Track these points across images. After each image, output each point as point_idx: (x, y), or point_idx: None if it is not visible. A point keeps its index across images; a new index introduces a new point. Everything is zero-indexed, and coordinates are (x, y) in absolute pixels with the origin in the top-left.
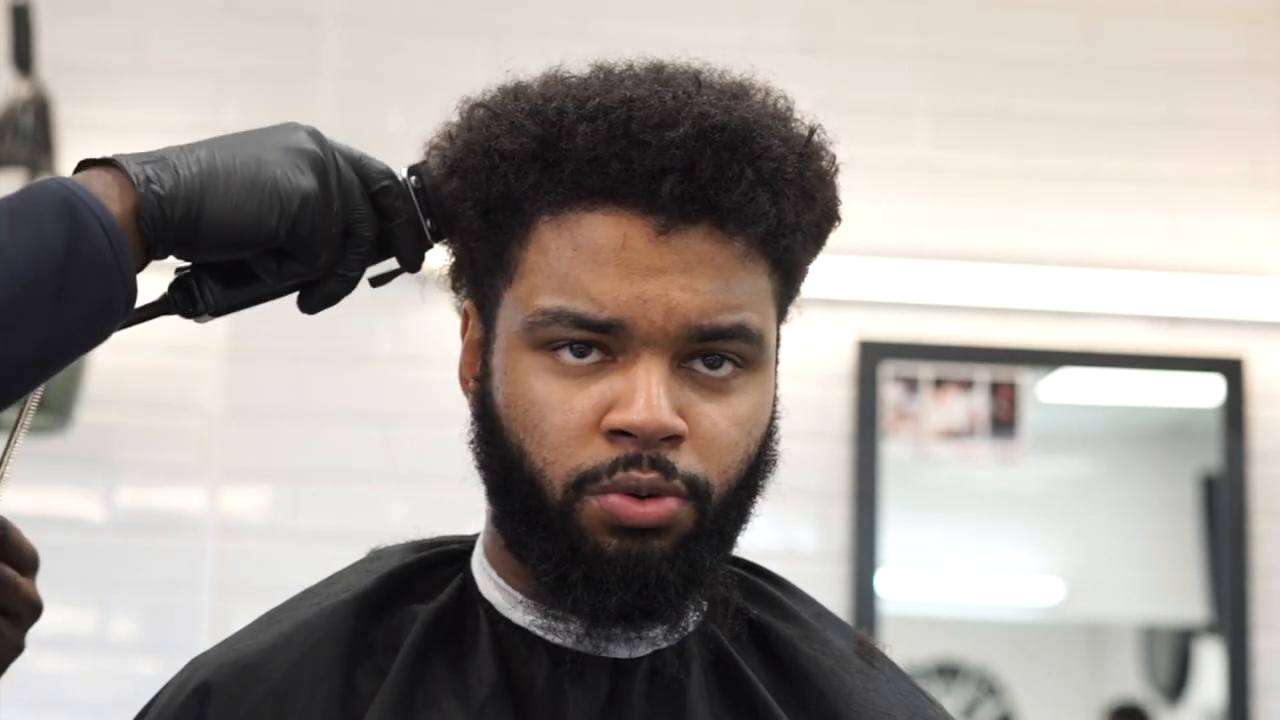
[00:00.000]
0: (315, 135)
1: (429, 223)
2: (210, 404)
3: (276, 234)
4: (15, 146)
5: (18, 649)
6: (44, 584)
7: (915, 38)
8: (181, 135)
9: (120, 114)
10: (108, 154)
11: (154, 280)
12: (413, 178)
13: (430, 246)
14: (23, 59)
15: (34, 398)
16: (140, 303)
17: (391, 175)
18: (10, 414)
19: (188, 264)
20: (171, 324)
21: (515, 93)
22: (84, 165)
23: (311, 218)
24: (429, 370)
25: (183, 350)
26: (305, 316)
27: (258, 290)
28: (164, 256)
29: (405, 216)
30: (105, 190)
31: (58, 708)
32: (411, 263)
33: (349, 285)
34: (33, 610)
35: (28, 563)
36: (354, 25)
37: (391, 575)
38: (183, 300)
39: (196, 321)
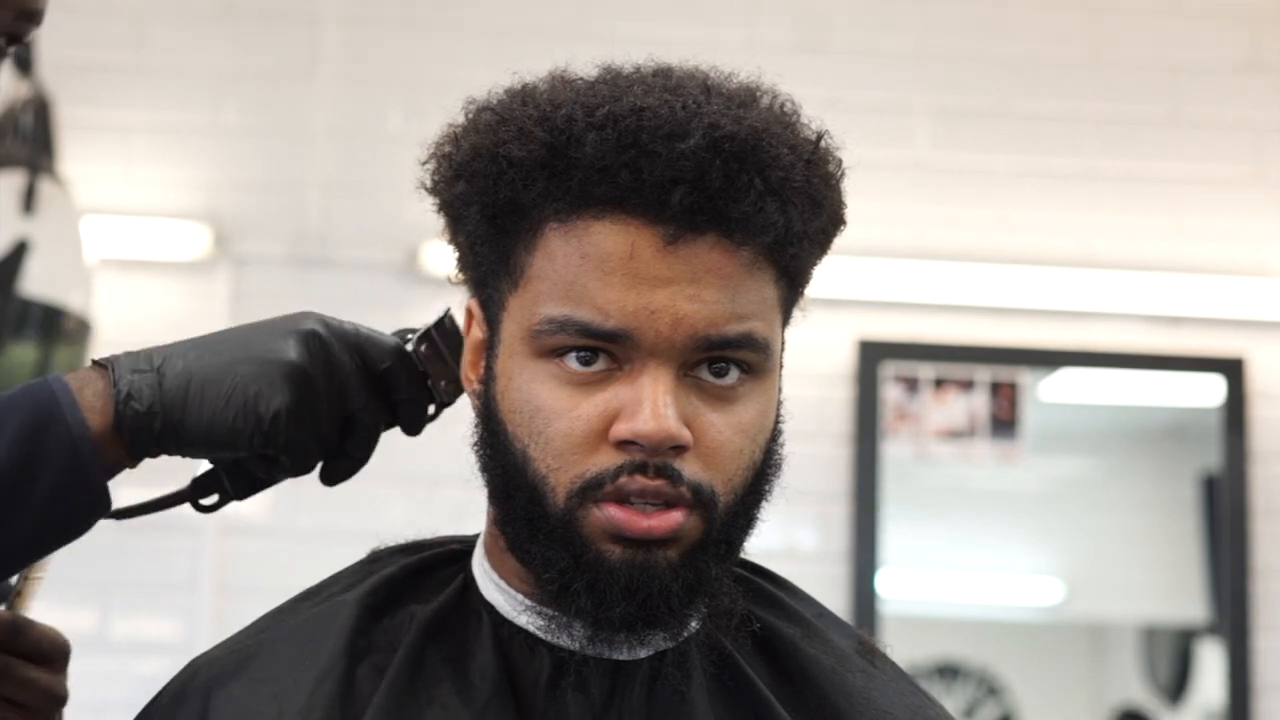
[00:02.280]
0: (307, 338)
1: (443, 384)
2: None
3: (251, 446)
4: (15, 146)
5: None
6: (44, 583)
7: (915, 38)
8: (181, 135)
9: (120, 114)
10: (106, 354)
11: None
12: (423, 346)
13: (444, 407)
14: (23, 59)
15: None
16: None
17: (398, 353)
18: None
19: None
20: (170, 322)
21: (523, 97)
22: (94, 364)
23: (287, 431)
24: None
25: None
26: None
27: (272, 483)
28: (156, 455)
29: (410, 394)
30: (92, 401)
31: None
32: (414, 431)
33: (357, 464)
34: (54, 702)
35: (48, 656)
36: (354, 25)
37: (391, 575)
38: (202, 494)
39: (205, 512)
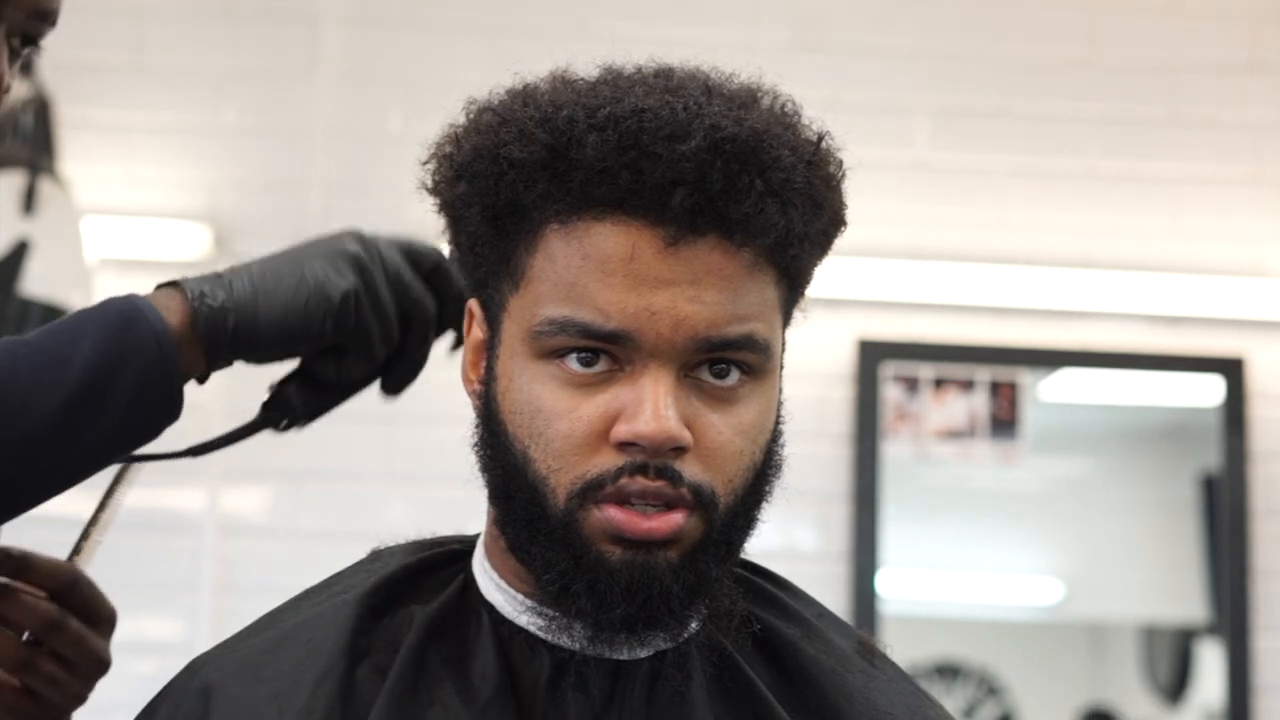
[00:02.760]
0: (359, 238)
1: None
2: (210, 404)
3: (325, 331)
4: (15, 146)
5: (79, 699)
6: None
7: (915, 38)
8: (182, 135)
9: (120, 114)
10: (173, 278)
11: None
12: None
13: None
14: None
15: (127, 476)
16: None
17: (442, 255)
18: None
19: (276, 385)
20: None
21: (524, 98)
22: (158, 287)
23: (356, 313)
24: (430, 370)
25: None
26: None
27: (338, 395)
28: (228, 362)
29: (458, 290)
30: (167, 304)
31: None
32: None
33: (418, 365)
34: (97, 666)
35: (101, 618)
36: (354, 25)
37: (392, 576)
38: (274, 417)
39: (281, 432)
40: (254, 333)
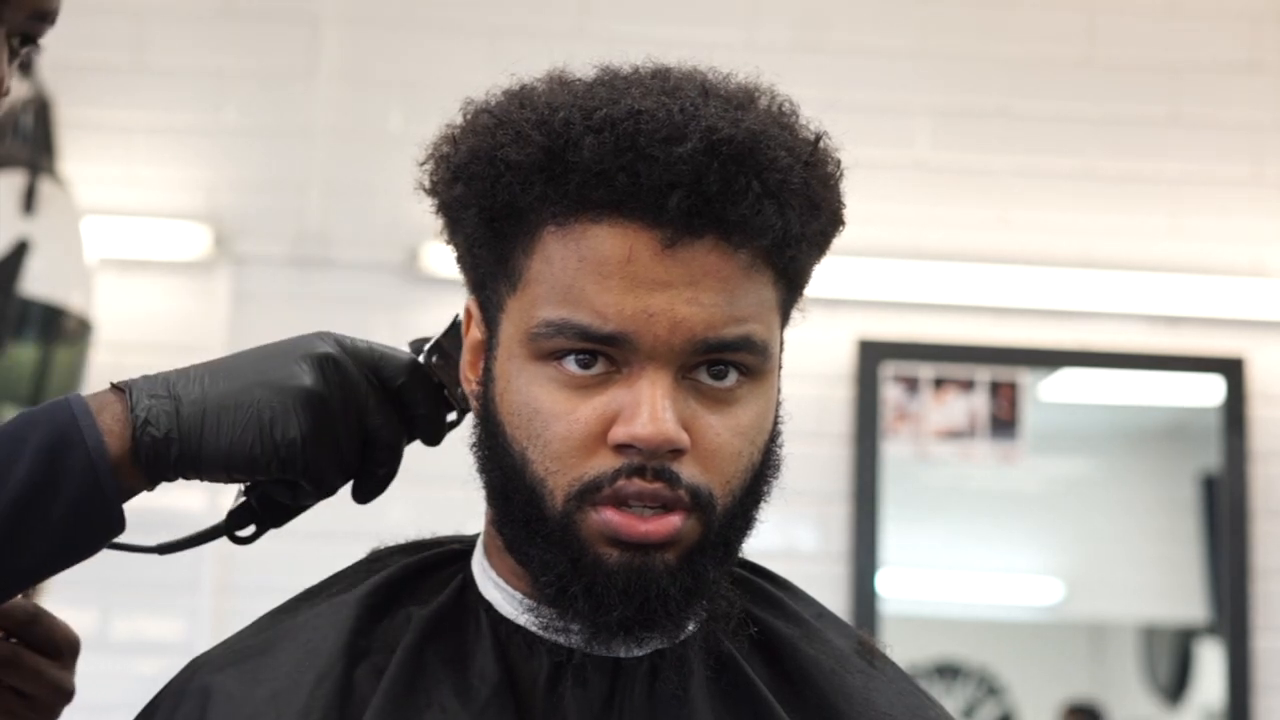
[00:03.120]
0: (319, 362)
1: (460, 391)
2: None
3: (269, 471)
4: (15, 146)
5: None
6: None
7: (915, 38)
8: (181, 135)
9: (120, 114)
10: (124, 378)
11: None
12: (434, 356)
13: (465, 414)
14: (23, 59)
15: None
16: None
17: (411, 367)
18: None
19: (243, 493)
20: (170, 322)
21: (520, 99)
22: (112, 386)
23: (305, 457)
24: None
25: (182, 350)
26: (303, 316)
27: (303, 509)
28: (173, 480)
29: (426, 407)
30: (111, 425)
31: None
32: (435, 441)
33: (385, 480)
34: (59, 696)
35: (59, 649)
36: (354, 25)
37: (391, 576)
38: (239, 525)
39: (242, 544)
40: (197, 466)
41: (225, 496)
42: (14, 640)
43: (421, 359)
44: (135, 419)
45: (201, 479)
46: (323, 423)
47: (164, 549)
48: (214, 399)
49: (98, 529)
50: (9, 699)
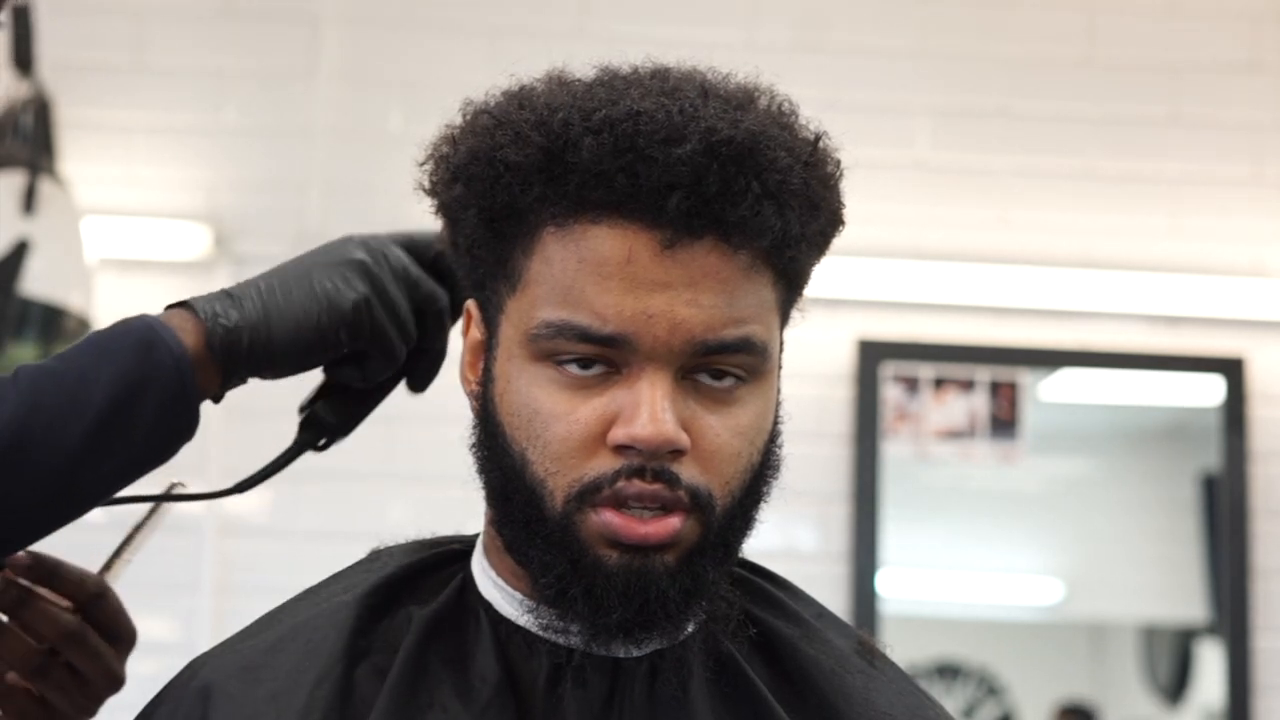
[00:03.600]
0: (362, 242)
1: None
2: (209, 403)
3: (340, 341)
4: (15, 146)
5: (87, 711)
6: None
7: (915, 38)
8: (181, 135)
9: (120, 114)
10: (183, 296)
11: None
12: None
13: None
14: (23, 59)
15: (167, 503)
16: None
17: (440, 238)
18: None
19: (306, 404)
20: None
21: (520, 100)
22: (168, 308)
23: (370, 319)
24: None
25: None
26: None
27: (368, 402)
28: (244, 379)
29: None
30: (182, 325)
31: None
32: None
33: (439, 356)
34: (110, 682)
35: (120, 636)
36: (354, 25)
37: (392, 576)
38: (312, 437)
39: (321, 451)
40: (269, 350)
41: (226, 497)
42: (79, 615)
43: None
44: (205, 315)
45: (272, 372)
46: (380, 288)
47: (243, 486)
48: (275, 287)
49: (180, 429)
50: (64, 676)
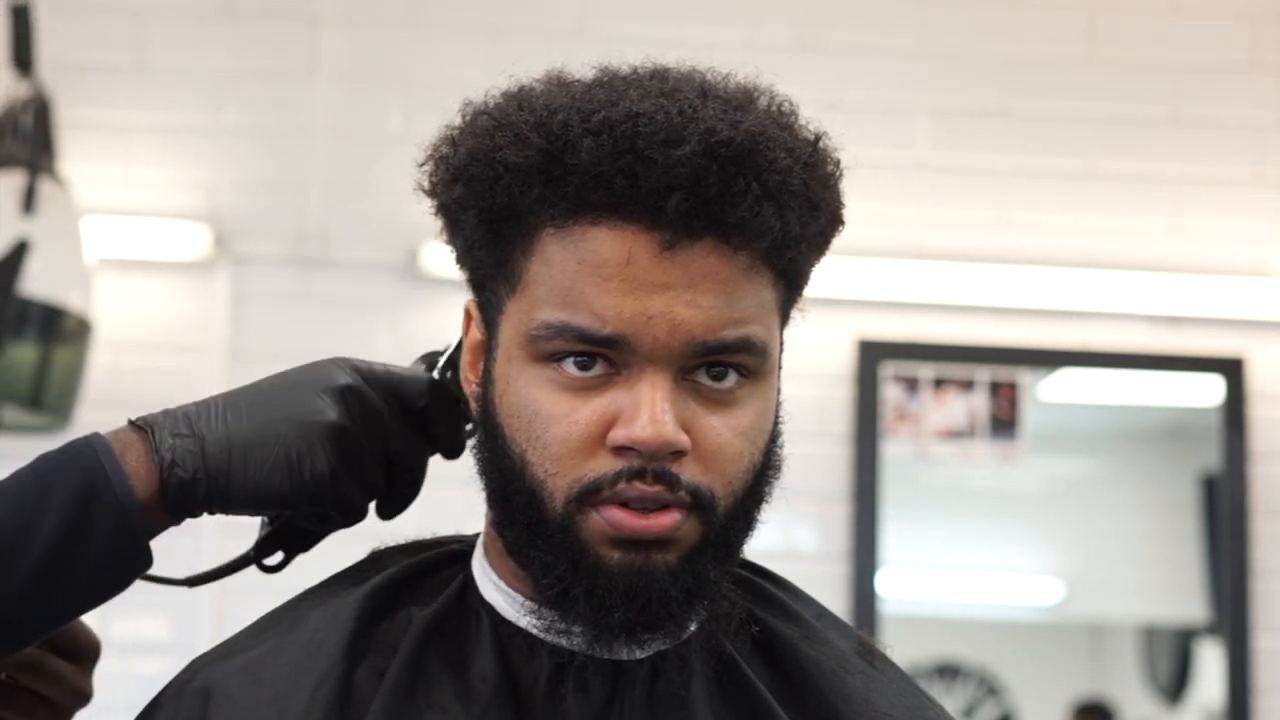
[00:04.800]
0: (340, 394)
1: (475, 403)
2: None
3: (299, 507)
4: (15, 146)
5: None
6: None
7: (915, 38)
8: (181, 135)
9: (120, 114)
10: (143, 414)
11: None
12: (449, 372)
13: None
14: (23, 59)
15: None
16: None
17: (430, 387)
18: None
19: (264, 524)
20: (170, 322)
21: (519, 101)
22: (130, 426)
23: (332, 493)
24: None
25: (183, 350)
26: (303, 316)
27: (323, 536)
28: (198, 516)
29: (447, 424)
30: (136, 468)
31: None
32: (455, 455)
33: (409, 499)
34: (79, 699)
35: (81, 652)
36: (354, 25)
37: (392, 576)
38: (260, 558)
39: (268, 573)
40: (225, 503)
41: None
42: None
43: (437, 374)
44: (161, 460)
45: (229, 514)
46: (349, 455)
47: (193, 581)
48: (239, 437)
49: (128, 569)
50: (29, 702)
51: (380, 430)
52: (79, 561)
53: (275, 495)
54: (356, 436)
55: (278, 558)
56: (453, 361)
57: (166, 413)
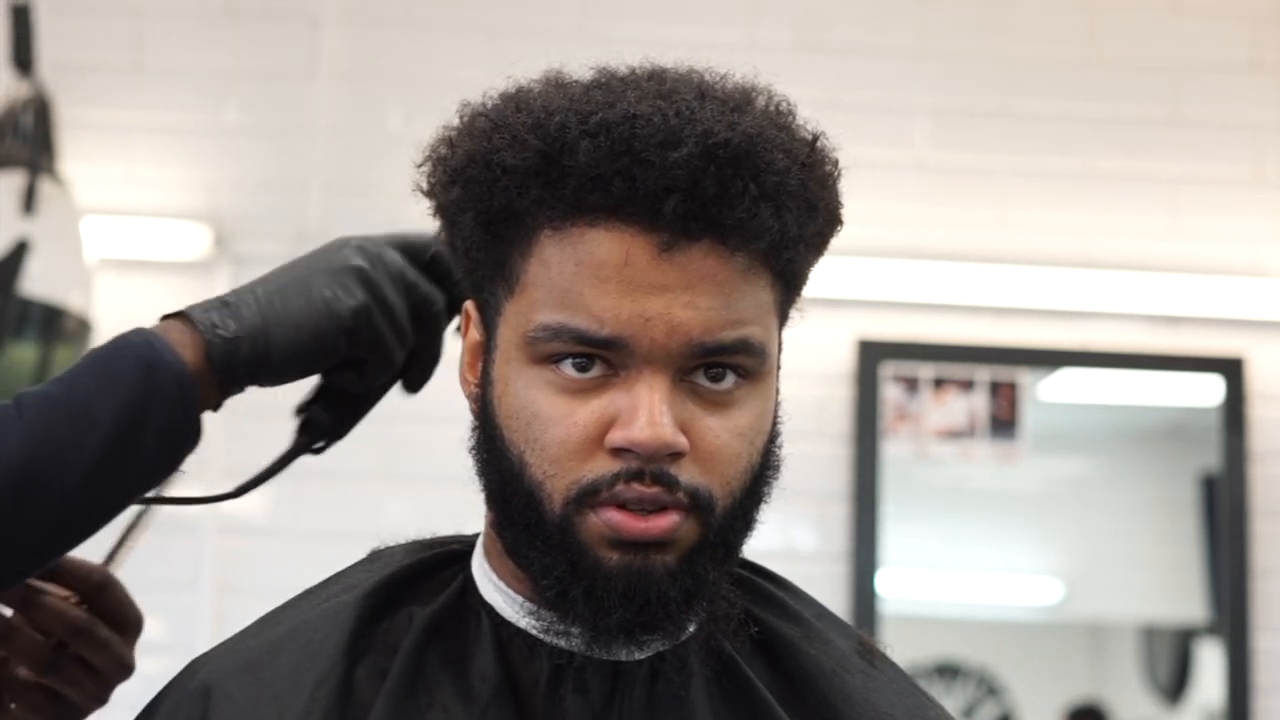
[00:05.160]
0: (359, 247)
1: None
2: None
3: (338, 348)
4: (15, 146)
5: (99, 700)
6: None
7: (915, 38)
8: (181, 135)
9: (120, 114)
10: (180, 307)
11: None
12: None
13: None
14: (23, 59)
15: (168, 492)
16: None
17: (438, 240)
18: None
19: (303, 407)
20: None
21: (516, 102)
22: (164, 318)
23: (369, 327)
24: None
25: None
26: None
27: (364, 404)
28: (243, 388)
29: (453, 277)
30: (180, 339)
31: None
32: (459, 305)
33: (435, 358)
34: (121, 670)
35: (128, 624)
36: (354, 25)
37: (392, 576)
38: (309, 439)
39: (318, 454)
40: (268, 359)
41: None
42: (85, 607)
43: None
44: (204, 327)
45: (271, 381)
46: (377, 296)
47: (241, 491)
48: (274, 295)
49: (186, 442)
50: (75, 669)
51: (401, 278)
52: (143, 435)
53: (313, 337)
54: (381, 279)
55: (322, 442)
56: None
57: (193, 305)
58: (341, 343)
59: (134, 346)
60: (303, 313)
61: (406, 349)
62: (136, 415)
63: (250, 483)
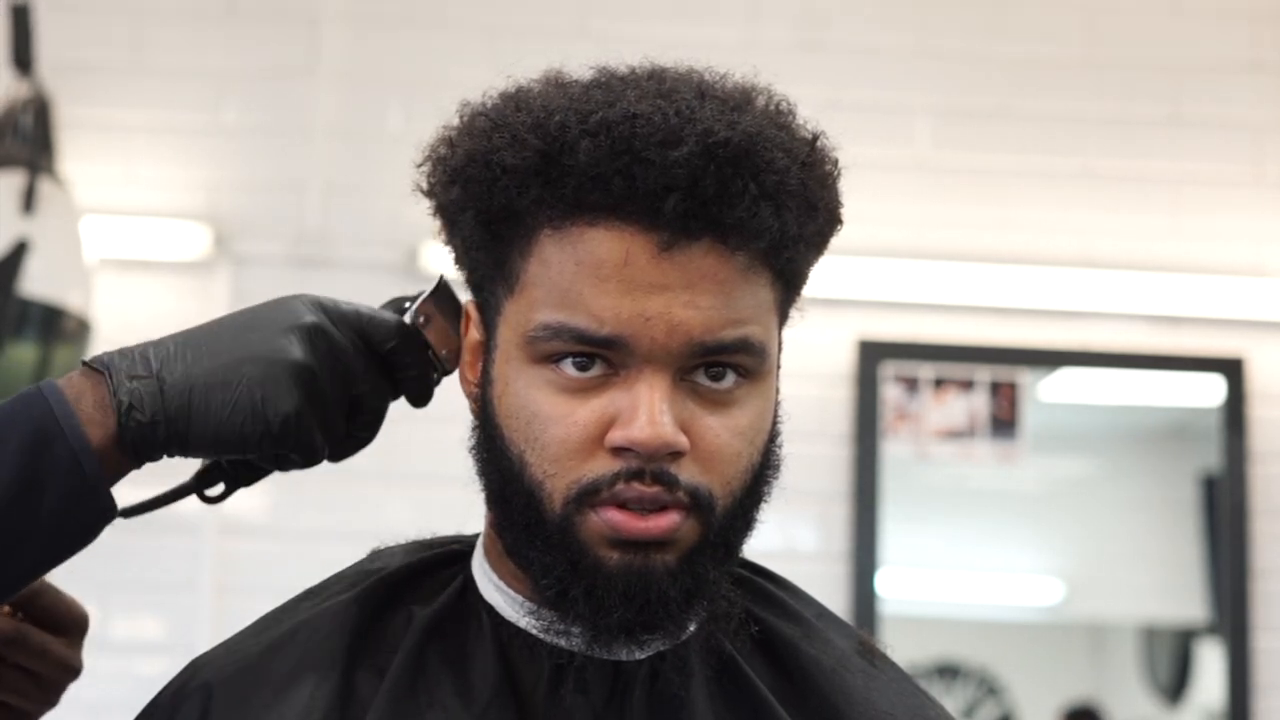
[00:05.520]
0: (307, 333)
1: (444, 352)
2: None
3: (260, 450)
4: (15, 146)
5: (48, 704)
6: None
7: (915, 38)
8: (181, 135)
9: (120, 114)
10: (103, 350)
11: None
12: (421, 317)
13: (447, 374)
14: (23, 59)
15: None
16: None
17: (399, 330)
18: None
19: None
20: (170, 322)
21: (516, 102)
22: (85, 369)
23: (295, 434)
24: None
25: None
26: None
27: (272, 472)
28: (158, 459)
29: (415, 369)
30: (92, 414)
31: (57, 708)
32: (422, 403)
33: (364, 443)
34: (66, 673)
35: (66, 625)
36: (354, 25)
37: (393, 576)
38: (202, 488)
39: (209, 504)
40: (185, 446)
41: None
42: (20, 615)
43: (408, 319)
44: (119, 404)
45: (188, 456)
46: (313, 396)
47: (129, 512)
48: (200, 378)
49: (90, 519)
50: (16, 678)
51: (345, 371)
52: (35, 515)
53: (237, 438)
54: (322, 377)
55: (219, 489)
56: (425, 310)
57: (123, 352)
58: (265, 444)
59: (35, 416)
60: (229, 407)
61: (335, 442)
62: (28, 492)
63: (139, 506)
